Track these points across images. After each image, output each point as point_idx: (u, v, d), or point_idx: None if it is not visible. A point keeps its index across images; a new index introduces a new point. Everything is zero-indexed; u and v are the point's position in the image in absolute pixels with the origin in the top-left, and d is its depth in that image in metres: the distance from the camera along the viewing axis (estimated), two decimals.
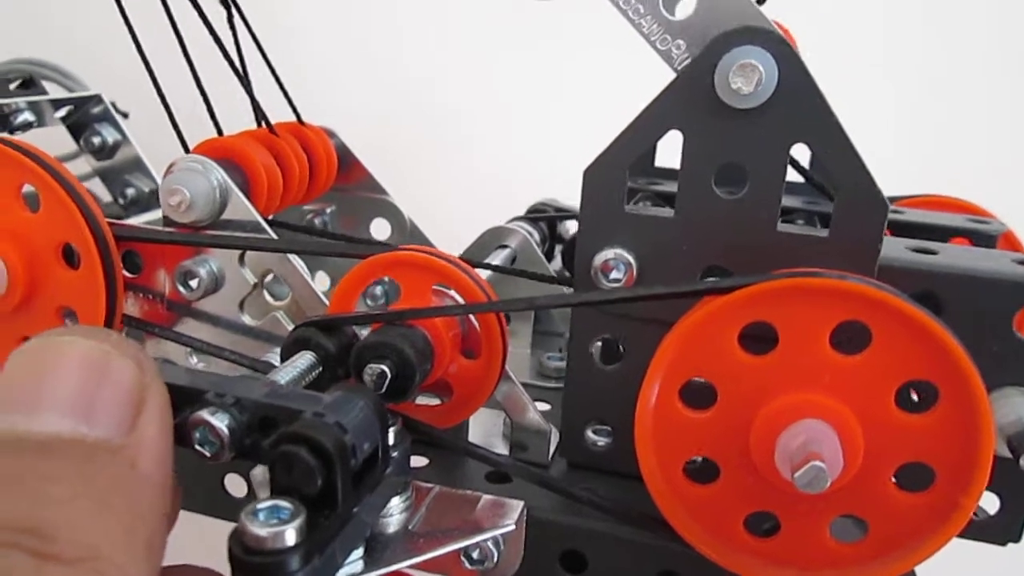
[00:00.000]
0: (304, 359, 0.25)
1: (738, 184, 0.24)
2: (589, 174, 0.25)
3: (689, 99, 0.24)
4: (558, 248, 0.42)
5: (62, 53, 0.44)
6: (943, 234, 0.31)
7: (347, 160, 0.37)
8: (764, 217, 0.24)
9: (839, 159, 0.23)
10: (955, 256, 0.25)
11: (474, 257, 0.35)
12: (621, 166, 0.25)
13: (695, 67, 0.23)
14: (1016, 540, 0.26)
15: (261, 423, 0.21)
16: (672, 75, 0.24)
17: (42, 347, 0.18)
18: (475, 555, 0.26)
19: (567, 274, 0.38)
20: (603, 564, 0.26)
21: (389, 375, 0.24)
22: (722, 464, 0.23)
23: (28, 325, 0.29)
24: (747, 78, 0.23)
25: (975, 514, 0.26)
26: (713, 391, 0.23)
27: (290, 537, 0.19)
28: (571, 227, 0.42)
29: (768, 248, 0.24)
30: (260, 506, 0.19)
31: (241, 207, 0.29)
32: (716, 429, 0.23)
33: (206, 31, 0.32)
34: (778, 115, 0.23)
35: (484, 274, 0.29)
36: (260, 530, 0.19)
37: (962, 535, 0.26)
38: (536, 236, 0.38)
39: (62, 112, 0.41)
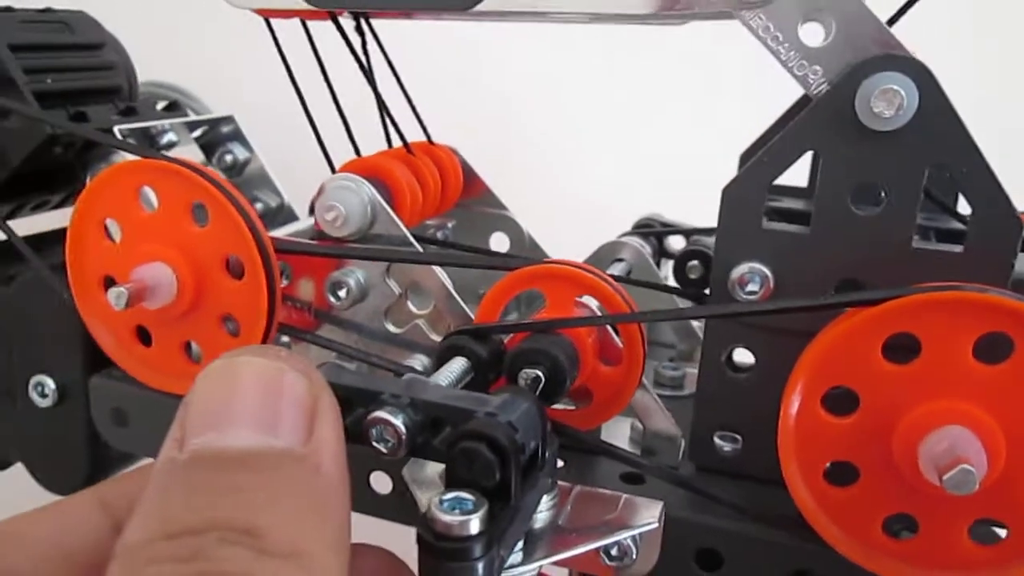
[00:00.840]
0: (458, 364, 0.27)
1: (870, 202, 0.26)
2: (728, 192, 0.27)
3: (829, 122, 0.25)
4: (663, 261, 0.43)
5: (188, 77, 0.47)
6: None
7: (469, 176, 0.39)
8: (900, 234, 0.25)
9: (976, 180, 0.24)
10: None
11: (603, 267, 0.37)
12: (760, 185, 0.26)
13: (836, 92, 0.25)
14: None
15: (433, 423, 0.23)
16: (787, 95, 0.26)
17: (223, 369, 0.19)
18: (614, 552, 0.27)
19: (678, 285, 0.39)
20: (738, 562, 0.27)
21: (543, 379, 0.26)
22: (862, 468, 0.24)
23: (193, 331, 0.32)
24: (889, 102, 0.24)
25: None
26: (856, 397, 0.24)
27: (474, 526, 0.21)
28: (674, 241, 0.44)
29: (903, 263, 0.25)
30: (445, 497, 0.21)
31: (389, 222, 0.31)
32: (858, 434, 0.24)
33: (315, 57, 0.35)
34: (917, 138, 0.24)
35: None
36: (448, 518, 0.20)
37: None
38: (648, 249, 0.39)
39: (197, 132, 0.43)
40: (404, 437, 0.23)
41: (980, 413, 0.23)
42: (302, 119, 0.37)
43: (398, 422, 0.23)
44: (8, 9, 0.36)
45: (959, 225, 0.31)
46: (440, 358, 0.27)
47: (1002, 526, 0.24)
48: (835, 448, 0.24)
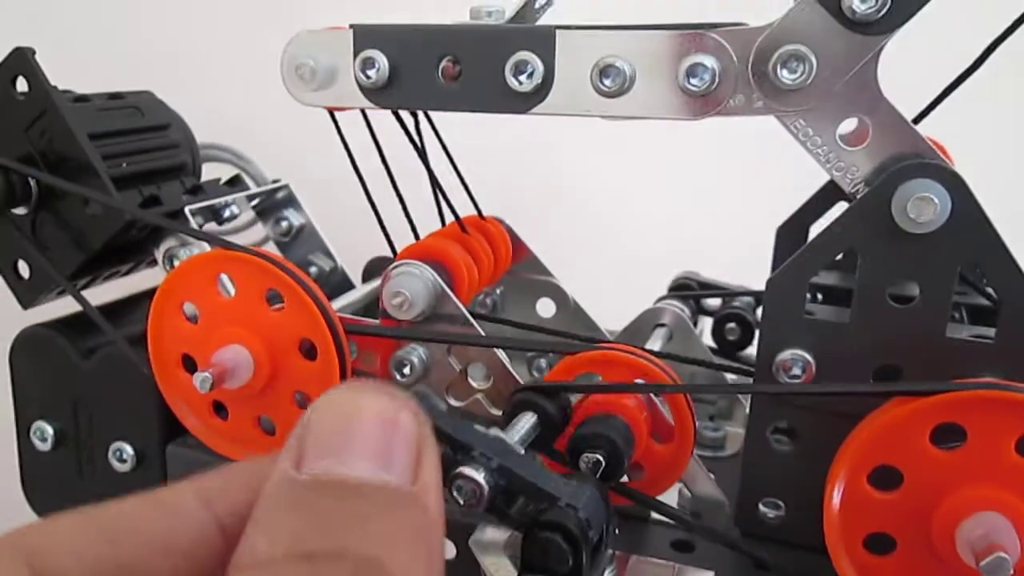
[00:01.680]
0: (527, 419, 0.29)
1: (909, 296, 0.28)
2: (772, 284, 0.29)
3: (868, 223, 0.27)
4: (700, 318, 0.45)
5: (252, 145, 0.49)
6: None
7: (516, 244, 0.41)
8: (934, 325, 0.27)
9: (1005, 277, 0.26)
10: None
11: (633, 336, 0.39)
12: (803, 278, 0.28)
13: (874, 195, 0.27)
14: None
15: (509, 491, 0.25)
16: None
17: (345, 400, 0.19)
18: None
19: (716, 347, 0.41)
20: None
21: (603, 463, 0.28)
22: (900, 540, 0.26)
23: (267, 406, 0.34)
24: (924, 208, 0.26)
25: None
26: (900, 475, 0.26)
27: None
28: (711, 301, 0.45)
29: (938, 352, 0.27)
30: None
31: (450, 304, 0.33)
32: (899, 509, 0.26)
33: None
34: (950, 240, 0.26)
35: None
36: None
37: None
38: (687, 312, 0.41)
39: (255, 202, 0.46)
40: (485, 497, 0.24)
41: (1018, 503, 0.24)
42: (348, 188, 0.39)
43: (483, 482, 0.24)
44: (85, 98, 0.39)
45: (988, 303, 0.33)
46: (510, 412, 0.29)
47: None
48: (877, 520, 0.26)
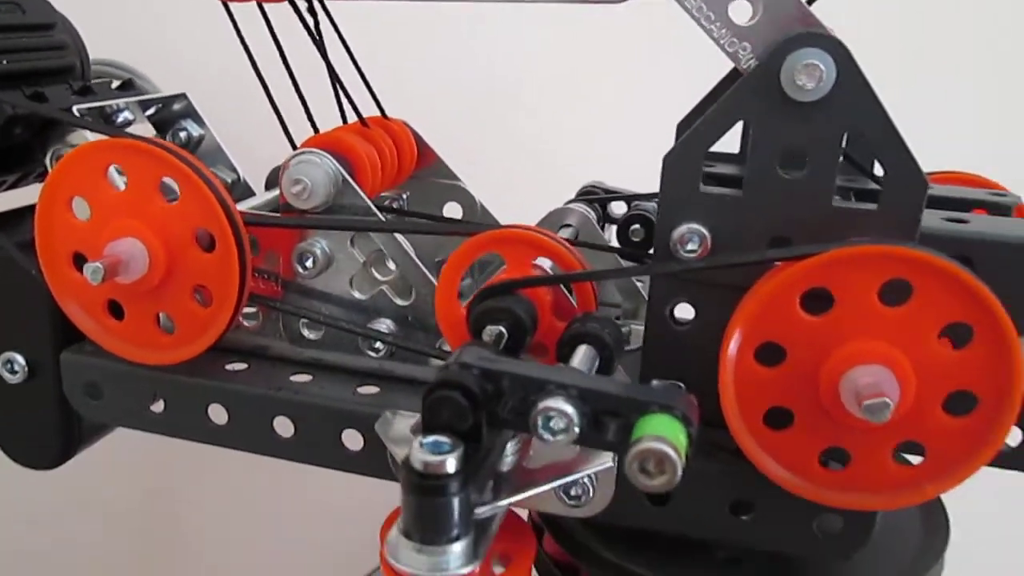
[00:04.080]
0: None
1: (797, 166, 0.28)
2: (668, 159, 0.29)
3: (757, 94, 0.28)
4: (607, 226, 0.46)
5: (142, 56, 0.47)
6: (966, 206, 0.35)
7: (422, 148, 0.41)
8: (822, 194, 0.28)
9: (888, 145, 0.27)
10: (984, 224, 0.29)
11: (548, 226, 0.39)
12: (697, 153, 0.29)
13: (763, 67, 0.27)
14: None
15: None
16: (715, 71, 0.28)
17: None
18: (573, 492, 0.30)
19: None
20: (684, 496, 0.30)
21: (506, 335, 0.28)
22: (796, 411, 0.27)
23: (164, 303, 0.33)
24: (810, 76, 0.27)
25: (1004, 446, 0.30)
26: (783, 349, 0.27)
27: (451, 465, 0.23)
28: (616, 207, 0.46)
29: (825, 221, 0.28)
30: (425, 440, 0.23)
31: (352, 193, 0.33)
32: (788, 382, 0.27)
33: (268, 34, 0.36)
34: (835, 107, 0.27)
35: None
36: (429, 457, 0.23)
37: (994, 464, 0.30)
38: (593, 215, 0.41)
39: (151, 110, 0.44)
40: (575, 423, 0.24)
41: (891, 350, 0.26)
42: (252, 97, 0.38)
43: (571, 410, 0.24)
44: None
45: (876, 186, 0.35)
46: (483, 316, 0.29)
47: (921, 449, 0.27)
48: (770, 396, 0.27)
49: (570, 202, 0.42)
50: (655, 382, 0.30)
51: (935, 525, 0.36)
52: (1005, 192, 0.37)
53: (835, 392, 0.26)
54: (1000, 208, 0.35)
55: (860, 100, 0.27)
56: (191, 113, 0.45)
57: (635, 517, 0.31)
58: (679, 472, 0.22)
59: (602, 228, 0.45)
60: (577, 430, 0.24)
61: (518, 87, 0.66)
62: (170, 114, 0.45)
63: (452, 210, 0.42)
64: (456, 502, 0.23)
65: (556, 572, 0.36)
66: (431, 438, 0.23)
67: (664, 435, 0.22)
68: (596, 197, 0.43)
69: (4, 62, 0.36)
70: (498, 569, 0.32)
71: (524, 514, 0.35)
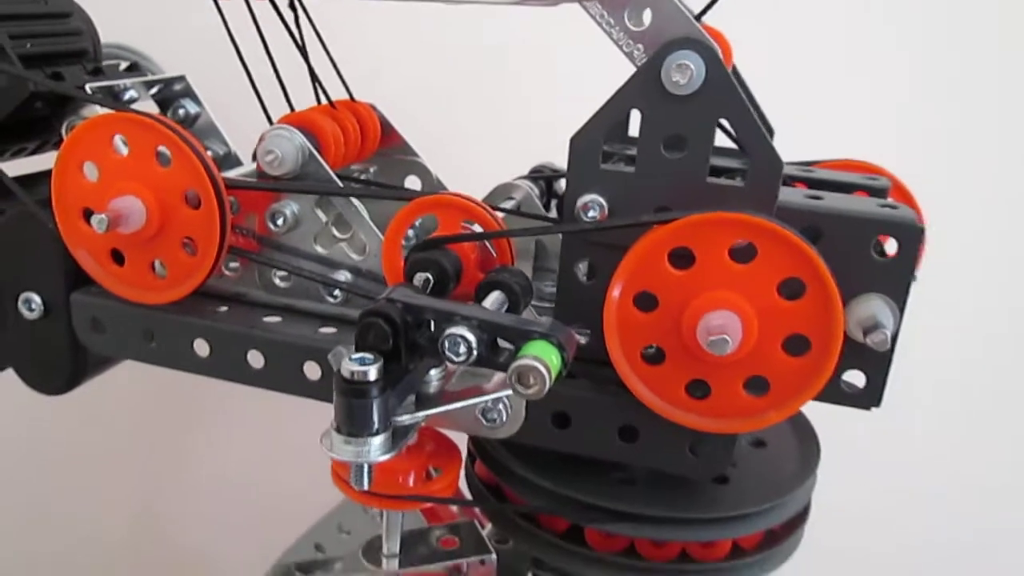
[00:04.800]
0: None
1: (678, 148, 0.34)
2: (574, 140, 0.35)
3: (645, 87, 0.33)
4: (554, 203, 0.51)
5: (146, 43, 0.54)
6: (846, 188, 0.41)
7: (387, 129, 0.47)
8: (697, 173, 0.34)
9: (749, 135, 0.33)
10: (833, 200, 0.35)
11: (491, 201, 0.45)
12: (598, 134, 0.35)
13: (649, 65, 0.33)
14: (877, 405, 0.36)
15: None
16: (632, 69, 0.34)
17: None
18: (489, 416, 0.36)
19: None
20: (582, 421, 0.36)
21: (432, 281, 0.34)
22: (667, 350, 0.33)
23: (158, 252, 0.39)
24: (683, 74, 0.32)
25: (850, 387, 0.36)
26: (655, 297, 0.33)
27: (372, 375, 0.29)
28: (562, 184, 0.52)
29: (700, 194, 0.34)
30: (354, 355, 0.30)
31: (316, 163, 0.39)
32: (660, 325, 0.33)
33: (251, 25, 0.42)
34: (705, 101, 0.33)
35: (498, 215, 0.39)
36: (354, 367, 0.29)
37: (841, 403, 0.36)
38: (536, 191, 0.47)
39: (153, 90, 0.50)
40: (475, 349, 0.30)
41: (738, 300, 0.32)
42: (242, 82, 0.44)
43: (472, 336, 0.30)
44: None
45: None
46: (416, 265, 0.35)
47: (766, 382, 0.33)
48: (646, 336, 0.33)
49: (518, 179, 0.48)
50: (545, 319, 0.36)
51: (809, 447, 0.42)
52: (878, 176, 0.42)
53: (694, 333, 0.32)
54: (874, 190, 0.41)
55: (726, 96, 0.33)
56: (189, 93, 0.51)
57: (542, 438, 0.37)
58: (547, 384, 0.28)
59: (547, 206, 0.51)
60: (476, 353, 0.30)
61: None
62: (171, 93, 0.51)
63: (412, 182, 0.48)
64: (375, 404, 0.29)
65: (486, 492, 0.42)
66: (359, 354, 0.30)
67: (539, 355, 0.28)
68: (542, 175, 0.49)
69: (28, 46, 0.42)
70: (435, 474, 0.38)
71: (463, 446, 0.41)
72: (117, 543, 0.87)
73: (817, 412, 0.39)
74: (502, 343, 0.30)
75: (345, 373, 0.29)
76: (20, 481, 0.84)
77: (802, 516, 0.41)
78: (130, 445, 0.84)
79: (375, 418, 0.29)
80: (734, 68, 0.42)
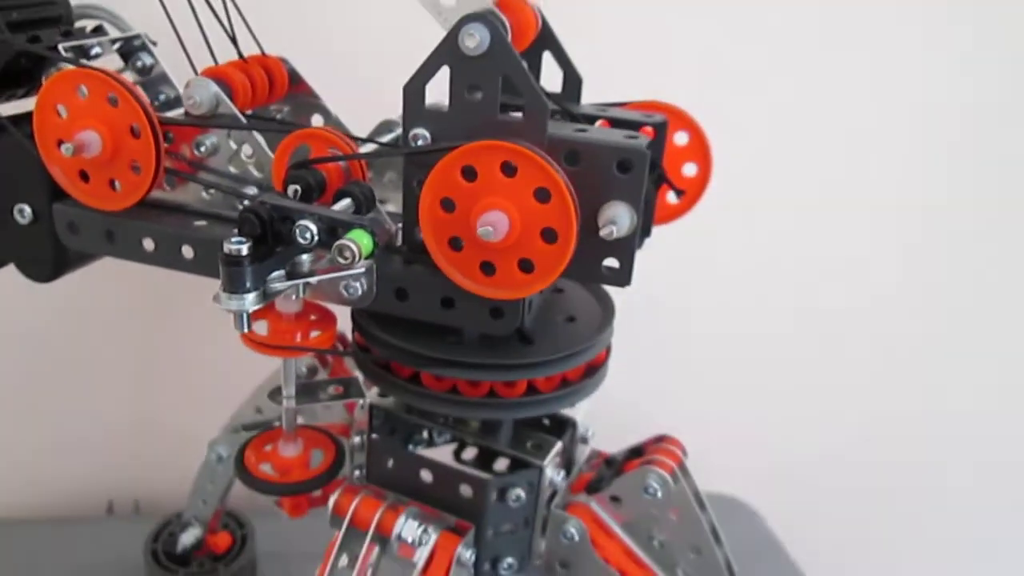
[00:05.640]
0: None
1: (476, 93, 0.47)
2: (406, 88, 0.48)
3: (449, 49, 0.46)
4: None
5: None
6: (631, 124, 0.54)
7: (296, 79, 0.60)
8: (489, 111, 0.47)
9: (524, 87, 0.46)
10: (592, 133, 0.48)
11: (375, 135, 0.59)
12: (421, 83, 0.48)
13: (451, 34, 0.46)
14: (628, 283, 0.49)
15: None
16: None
17: None
18: (349, 289, 0.50)
19: None
20: (414, 295, 0.50)
21: (300, 191, 0.48)
22: (464, 239, 0.47)
23: (113, 172, 0.53)
24: (472, 40, 0.45)
25: (609, 270, 0.49)
26: (453, 201, 0.46)
27: (243, 251, 0.43)
28: None
29: (494, 127, 0.47)
30: (233, 238, 0.44)
31: (226, 106, 0.52)
32: (458, 222, 0.47)
33: None
34: (490, 60, 0.46)
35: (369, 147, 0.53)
36: (232, 246, 0.43)
37: (604, 282, 0.50)
38: None
39: (116, 46, 0.63)
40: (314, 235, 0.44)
41: (506, 203, 0.45)
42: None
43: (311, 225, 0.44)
44: None
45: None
46: (289, 180, 0.48)
47: (531, 263, 0.46)
48: (449, 230, 0.47)
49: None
50: (372, 215, 0.49)
51: (607, 321, 0.56)
52: (653, 114, 0.55)
53: (475, 226, 0.46)
54: (651, 125, 0.54)
55: (505, 58, 0.46)
56: (145, 48, 0.64)
57: (388, 307, 0.51)
58: (357, 257, 0.42)
59: None
60: (317, 238, 0.44)
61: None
62: (131, 48, 0.64)
63: (316, 120, 0.61)
64: (248, 271, 0.43)
65: (360, 353, 0.57)
66: (237, 238, 0.43)
67: (354, 238, 0.42)
68: None
69: (14, 15, 0.56)
70: (314, 333, 0.52)
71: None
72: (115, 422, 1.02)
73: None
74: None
75: (226, 250, 0.43)
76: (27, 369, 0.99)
77: (593, 370, 0.55)
78: (119, 331, 0.99)
79: (247, 281, 0.43)
80: (544, 24, 0.55)
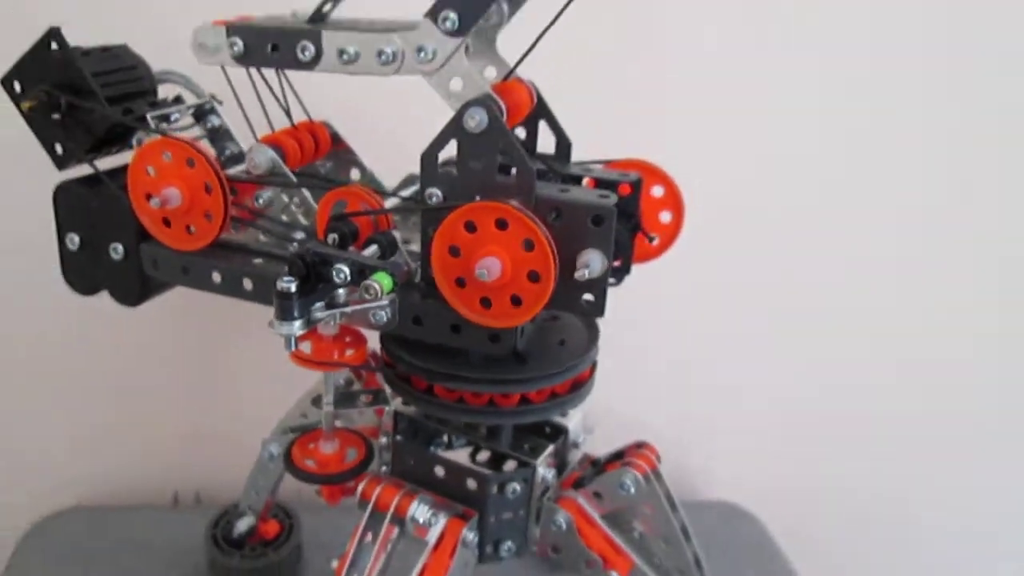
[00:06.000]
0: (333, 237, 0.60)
1: (480, 161, 0.59)
2: (423, 156, 0.60)
3: (456, 128, 0.58)
4: None
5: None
6: (612, 184, 0.65)
7: (337, 139, 0.73)
8: (488, 176, 0.58)
9: (514, 159, 0.57)
10: (573, 192, 0.59)
11: (402, 185, 0.71)
12: (435, 152, 0.59)
13: (457, 115, 0.58)
14: (602, 315, 0.60)
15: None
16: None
17: None
18: (376, 317, 0.62)
19: None
20: (430, 321, 0.62)
21: (337, 239, 0.60)
22: (467, 280, 0.58)
23: (190, 219, 0.66)
24: (473, 120, 0.57)
25: (588, 303, 0.60)
26: (458, 248, 0.58)
27: (292, 288, 0.55)
28: None
29: (493, 188, 0.58)
30: (285, 278, 0.56)
31: (280, 167, 0.64)
32: (462, 265, 0.58)
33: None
34: (488, 137, 0.57)
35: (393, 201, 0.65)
36: (284, 284, 0.55)
37: (584, 314, 0.61)
38: None
39: (191, 110, 0.77)
40: (347, 275, 0.57)
41: (500, 251, 0.56)
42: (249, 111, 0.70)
43: (346, 268, 0.56)
44: (88, 51, 0.69)
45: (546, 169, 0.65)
46: (329, 229, 0.61)
47: (520, 298, 0.58)
48: (456, 272, 0.58)
49: None
50: (394, 258, 0.61)
51: (592, 345, 0.67)
52: (629, 172, 0.66)
53: (474, 268, 0.57)
54: (628, 182, 0.65)
55: (500, 135, 0.57)
56: (215, 111, 0.77)
57: (408, 332, 0.62)
58: (380, 295, 0.54)
59: None
60: (349, 278, 0.56)
61: None
62: (203, 111, 0.77)
63: (355, 174, 0.74)
64: (295, 304, 0.55)
65: (386, 369, 0.68)
66: (287, 277, 0.56)
67: (377, 279, 0.54)
68: None
69: (111, 91, 0.69)
70: (349, 351, 0.64)
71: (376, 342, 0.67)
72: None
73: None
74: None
75: (279, 287, 0.55)
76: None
77: (579, 385, 0.66)
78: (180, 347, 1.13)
79: (295, 311, 0.55)
80: (539, 98, 0.66)
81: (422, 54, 0.58)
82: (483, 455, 0.78)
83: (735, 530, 1.14)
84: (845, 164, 1.09)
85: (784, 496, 1.25)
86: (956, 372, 1.21)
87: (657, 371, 1.17)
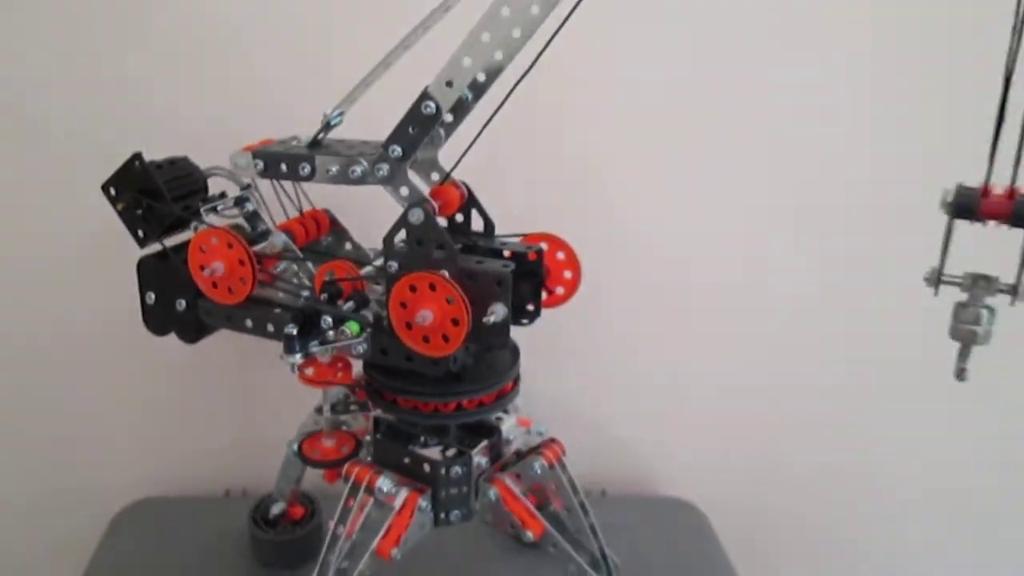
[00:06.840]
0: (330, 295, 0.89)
1: (424, 243, 0.86)
2: (385, 239, 0.88)
3: (404, 222, 0.86)
4: None
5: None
6: (522, 256, 0.92)
7: (335, 221, 1.01)
8: (429, 252, 0.86)
9: (444, 241, 0.85)
10: (485, 263, 0.86)
11: (376, 257, 0.99)
12: (391, 236, 0.87)
13: (404, 213, 0.85)
14: (506, 347, 0.87)
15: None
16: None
17: None
18: (355, 350, 0.89)
19: None
20: (391, 351, 0.89)
21: (328, 297, 0.88)
22: (413, 323, 0.86)
23: (230, 282, 0.94)
24: (415, 215, 0.84)
25: (496, 338, 0.87)
26: (407, 304, 0.85)
27: (294, 331, 0.84)
28: None
29: (428, 262, 0.86)
30: (288, 325, 0.84)
31: (291, 245, 0.93)
32: (410, 313, 0.85)
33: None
34: (426, 227, 0.85)
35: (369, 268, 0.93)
36: (288, 329, 0.83)
37: (493, 346, 0.88)
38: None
39: (232, 201, 1.06)
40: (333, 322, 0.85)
41: (432, 305, 0.83)
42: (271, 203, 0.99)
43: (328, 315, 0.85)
44: (159, 164, 0.99)
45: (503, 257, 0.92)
46: (323, 290, 0.89)
47: (448, 336, 0.85)
48: (407, 318, 0.86)
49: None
50: (364, 311, 0.89)
51: (515, 366, 0.94)
52: (538, 244, 0.93)
53: (415, 317, 0.84)
54: (536, 251, 0.92)
55: (434, 227, 0.85)
56: (250, 198, 1.06)
57: (378, 360, 0.90)
58: (349, 337, 0.82)
59: None
60: (332, 324, 0.84)
61: None
62: (240, 200, 1.06)
63: (347, 246, 1.02)
64: (296, 342, 0.83)
65: (368, 386, 0.96)
66: (290, 324, 0.84)
67: (347, 326, 0.82)
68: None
69: (176, 191, 0.99)
70: (339, 374, 0.93)
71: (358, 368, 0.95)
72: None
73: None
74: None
75: (285, 332, 0.83)
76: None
77: (503, 395, 0.93)
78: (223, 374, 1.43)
79: (296, 347, 0.84)
80: (470, 193, 0.94)
81: (379, 172, 0.86)
82: (451, 452, 1.05)
83: (681, 524, 1.36)
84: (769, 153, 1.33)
85: (730, 490, 1.48)
86: (906, 369, 1.33)
87: (611, 372, 1.40)
